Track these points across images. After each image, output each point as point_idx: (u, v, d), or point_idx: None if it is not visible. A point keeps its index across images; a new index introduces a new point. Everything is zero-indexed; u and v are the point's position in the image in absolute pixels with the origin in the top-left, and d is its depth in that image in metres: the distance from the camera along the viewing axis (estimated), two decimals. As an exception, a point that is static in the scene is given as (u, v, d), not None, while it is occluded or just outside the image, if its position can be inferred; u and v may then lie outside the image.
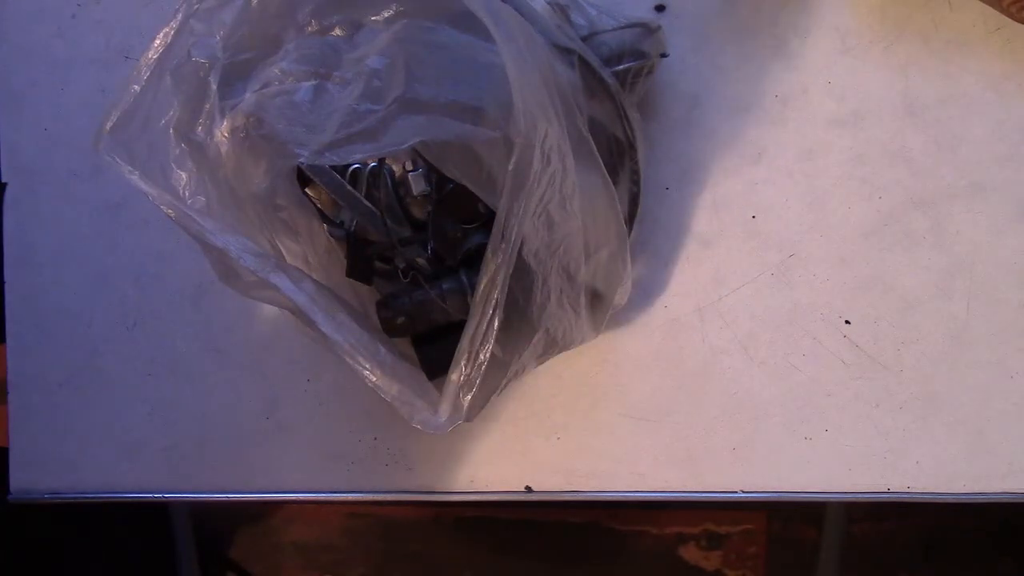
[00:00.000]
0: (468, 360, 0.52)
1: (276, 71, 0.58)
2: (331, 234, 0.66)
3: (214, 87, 0.57)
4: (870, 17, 0.72)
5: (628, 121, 0.66)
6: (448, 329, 0.69)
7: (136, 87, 0.54)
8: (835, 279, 0.72)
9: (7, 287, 0.77)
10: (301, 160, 0.57)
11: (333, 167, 0.61)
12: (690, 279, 0.73)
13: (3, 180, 0.77)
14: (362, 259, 0.66)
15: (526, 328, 0.59)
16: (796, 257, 0.72)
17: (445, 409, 0.53)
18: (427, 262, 0.68)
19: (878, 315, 0.72)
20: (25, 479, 0.77)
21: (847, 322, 0.72)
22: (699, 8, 0.73)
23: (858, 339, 0.72)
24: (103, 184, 0.76)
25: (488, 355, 0.53)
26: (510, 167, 0.50)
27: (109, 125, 0.54)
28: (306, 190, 0.64)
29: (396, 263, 0.68)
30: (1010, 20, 0.70)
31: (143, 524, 1.33)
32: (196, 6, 0.55)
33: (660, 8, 0.73)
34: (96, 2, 0.77)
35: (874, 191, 0.72)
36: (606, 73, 0.65)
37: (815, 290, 0.72)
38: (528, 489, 0.74)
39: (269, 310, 0.75)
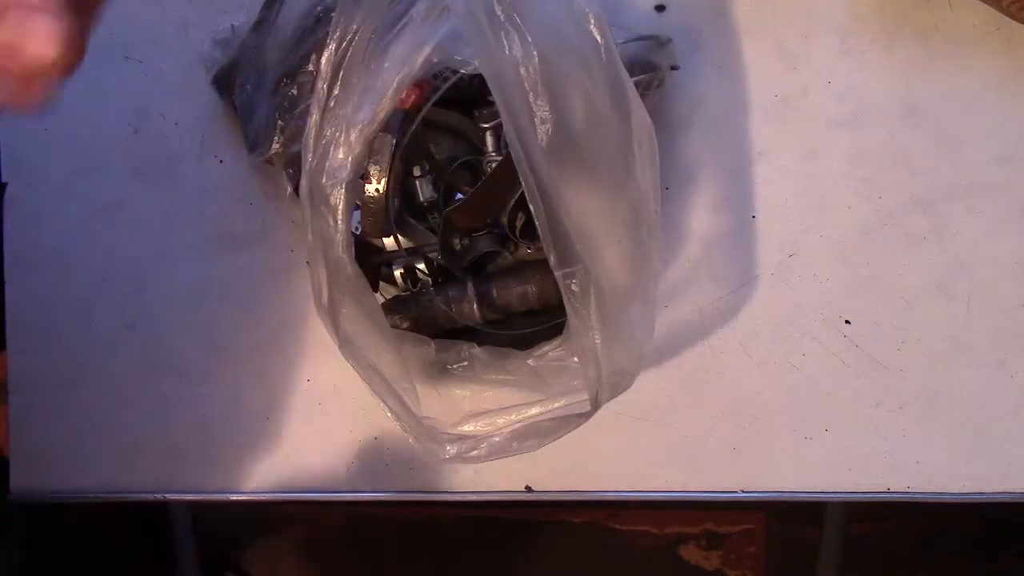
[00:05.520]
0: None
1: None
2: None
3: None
4: (870, 17, 0.72)
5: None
6: (452, 333, 0.69)
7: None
8: (835, 279, 0.72)
9: (7, 287, 0.77)
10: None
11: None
12: (691, 279, 0.73)
13: (3, 180, 0.77)
14: (368, 265, 0.66)
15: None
16: (796, 257, 0.72)
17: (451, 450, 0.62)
18: (432, 273, 0.68)
19: (878, 315, 0.72)
20: (25, 479, 0.77)
21: (847, 322, 0.72)
22: (699, 8, 0.73)
23: (858, 339, 0.72)
24: (103, 184, 0.76)
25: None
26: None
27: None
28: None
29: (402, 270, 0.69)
30: (1010, 20, 0.70)
31: (143, 524, 1.33)
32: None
33: (660, 8, 0.73)
34: (96, 2, 0.77)
35: (874, 191, 0.72)
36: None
37: (815, 290, 0.72)
38: (528, 489, 0.74)
39: (268, 310, 0.75)
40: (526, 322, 0.69)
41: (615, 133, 0.59)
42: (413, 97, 0.62)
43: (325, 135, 0.58)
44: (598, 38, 0.58)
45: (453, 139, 0.69)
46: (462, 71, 0.61)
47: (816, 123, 0.72)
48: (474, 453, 0.62)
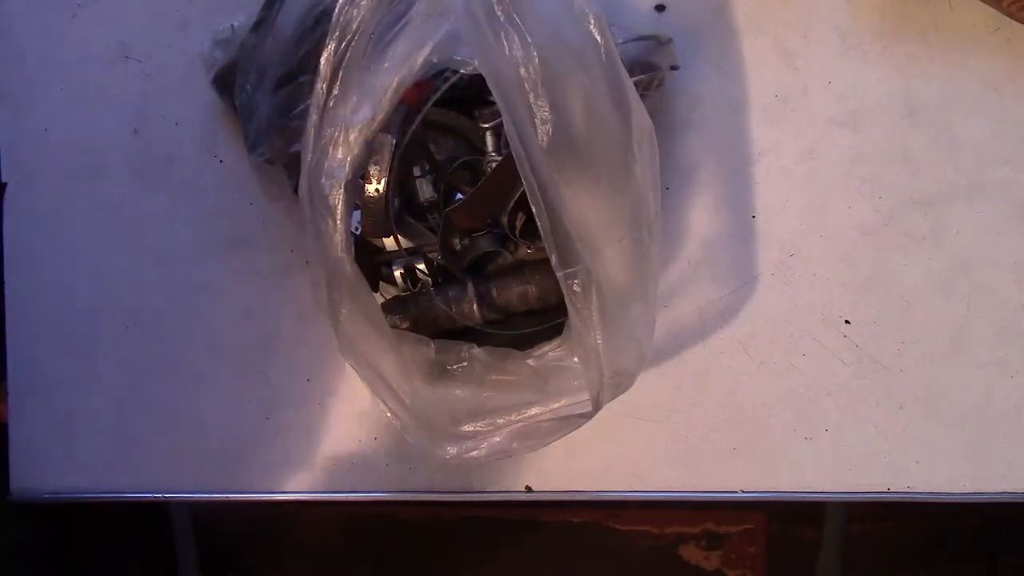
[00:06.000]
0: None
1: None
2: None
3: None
4: (870, 17, 0.72)
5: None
6: (452, 333, 0.69)
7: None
8: (835, 279, 0.72)
9: (7, 287, 0.77)
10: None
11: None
12: (690, 279, 0.73)
13: (3, 180, 0.77)
14: (368, 265, 0.66)
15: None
16: (796, 257, 0.72)
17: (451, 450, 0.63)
18: (432, 273, 0.68)
19: (878, 315, 0.72)
20: (25, 479, 0.77)
21: (847, 322, 0.72)
22: (699, 8, 0.73)
23: (858, 339, 0.72)
24: (103, 184, 0.76)
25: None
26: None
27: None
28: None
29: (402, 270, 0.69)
30: (1010, 20, 0.70)
31: (143, 524, 1.33)
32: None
33: (660, 8, 0.73)
34: (96, 2, 0.77)
35: (874, 191, 0.72)
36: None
37: (815, 290, 0.72)
38: (528, 489, 0.74)
39: (268, 310, 0.75)
40: (526, 322, 0.69)
41: (615, 133, 0.59)
42: (413, 97, 0.62)
43: (324, 135, 0.58)
44: (598, 38, 0.58)
45: (453, 139, 0.69)
46: (462, 71, 0.61)
47: (816, 123, 0.72)
48: (474, 453, 0.62)
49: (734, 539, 1.34)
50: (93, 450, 0.76)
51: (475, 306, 0.67)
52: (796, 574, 1.33)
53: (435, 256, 0.68)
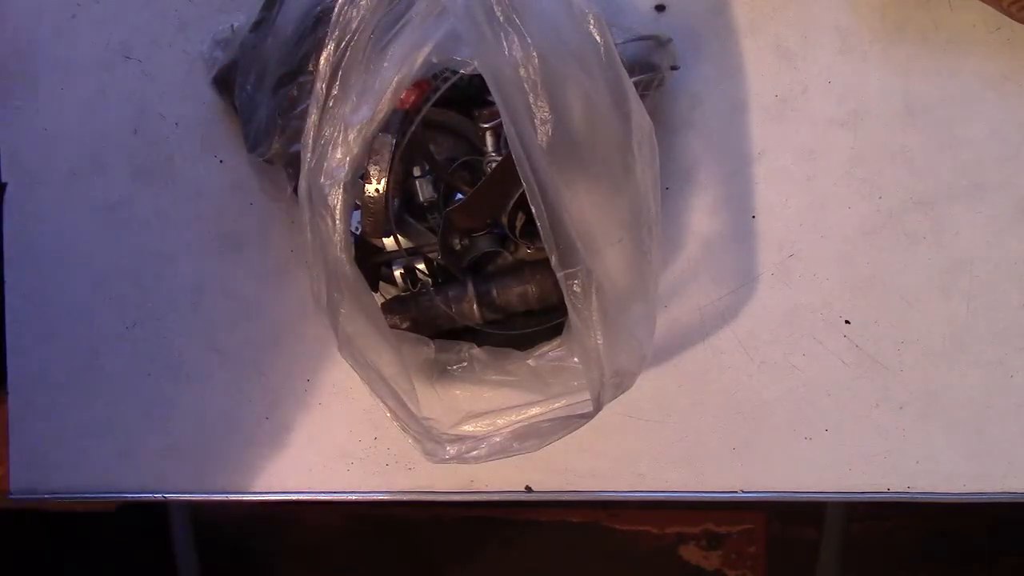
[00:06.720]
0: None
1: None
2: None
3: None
4: (870, 17, 0.72)
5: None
6: (452, 333, 0.69)
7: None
8: (835, 279, 0.72)
9: (7, 287, 0.77)
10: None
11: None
12: (690, 279, 0.73)
13: (3, 180, 0.77)
14: (368, 265, 0.66)
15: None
16: (796, 257, 0.72)
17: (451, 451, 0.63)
18: (432, 273, 0.68)
19: (878, 315, 0.72)
20: (25, 479, 0.77)
21: (847, 322, 0.72)
22: (699, 8, 0.73)
23: (858, 339, 0.72)
24: (103, 184, 0.76)
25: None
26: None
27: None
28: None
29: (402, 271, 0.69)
30: (1010, 20, 0.70)
31: (143, 524, 1.33)
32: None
33: (660, 8, 0.73)
34: (96, 2, 0.77)
35: (874, 191, 0.72)
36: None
37: (815, 290, 0.72)
38: (528, 489, 0.74)
39: (268, 310, 0.75)
40: (526, 322, 0.69)
41: (615, 133, 0.59)
42: (413, 97, 0.62)
43: (324, 135, 0.58)
44: (598, 38, 0.58)
45: (453, 139, 0.69)
46: (462, 71, 0.61)
47: (816, 123, 0.72)
48: (474, 453, 0.62)
49: (734, 539, 1.34)
50: (93, 450, 0.76)
51: (475, 306, 0.67)
52: (796, 574, 1.33)
53: (435, 256, 0.68)
